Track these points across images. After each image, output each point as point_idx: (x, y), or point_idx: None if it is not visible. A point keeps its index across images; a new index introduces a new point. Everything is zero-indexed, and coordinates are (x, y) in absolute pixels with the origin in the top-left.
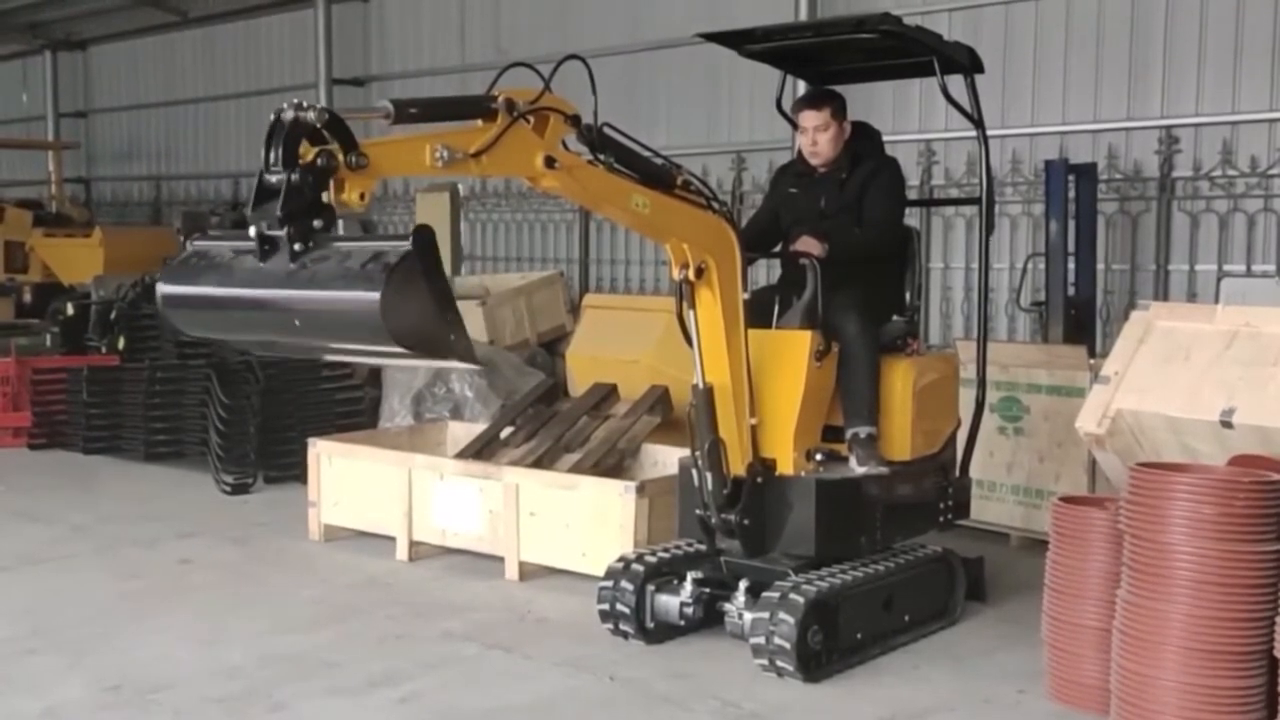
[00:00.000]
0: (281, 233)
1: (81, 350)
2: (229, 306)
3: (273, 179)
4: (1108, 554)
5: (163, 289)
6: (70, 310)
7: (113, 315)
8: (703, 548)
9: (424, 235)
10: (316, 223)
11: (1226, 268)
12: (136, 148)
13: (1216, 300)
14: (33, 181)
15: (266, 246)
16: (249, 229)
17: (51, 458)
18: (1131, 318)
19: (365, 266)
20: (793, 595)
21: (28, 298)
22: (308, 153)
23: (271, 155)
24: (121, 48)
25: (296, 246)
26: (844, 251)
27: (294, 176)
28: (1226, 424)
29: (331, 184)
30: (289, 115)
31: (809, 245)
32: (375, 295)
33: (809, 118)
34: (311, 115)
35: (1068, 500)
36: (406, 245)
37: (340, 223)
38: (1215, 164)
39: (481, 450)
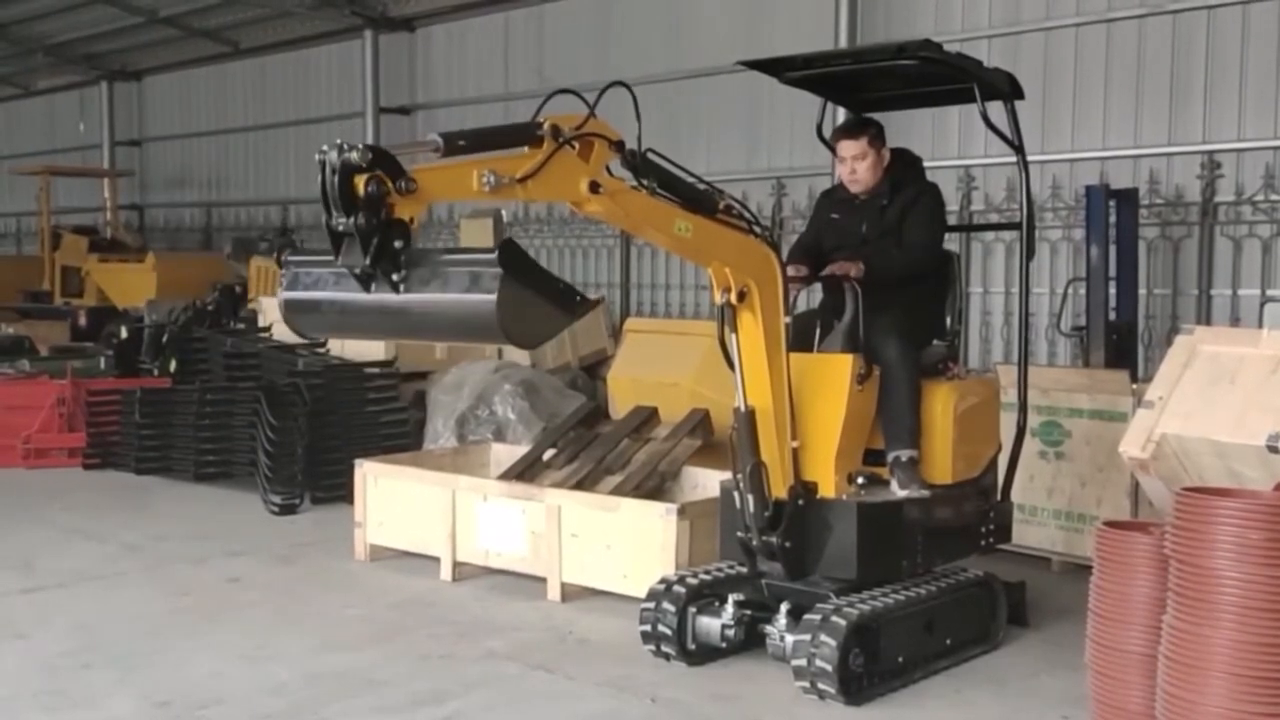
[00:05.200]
0: (374, 271)
1: (134, 372)
2: (350, 313)
3: (339, 226)
4: (1153, 579)
5: (285, 296)
6: (124, 333)
7: (165, 338)
8: (744, 570)
9: (508, 248)
10: (398, 244)
11: (1270, 292)
12: (188, 175)
13: (1260, 325)
14: (88, 208)
15: (364, 281)
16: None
17: (105, 477)
18: (1176, 342)
19: (468, 291)
20: (834, 618)
21: (83, 321)
22: (358, 184)
23: (330, 203)
24: (175, 78)
25: (394, 277)
26: (881, 273)
27: (359, 220)
28: (1273, 449)
29: (385, 208)
30: (334, 158)
31: (844, 268)
32: (493, 313)
33: (847, 147)
34: (355, 156)
35: (1112, 525)
36: (496, 266)
37: None
38: (1258, 189)
39: (524, 472)
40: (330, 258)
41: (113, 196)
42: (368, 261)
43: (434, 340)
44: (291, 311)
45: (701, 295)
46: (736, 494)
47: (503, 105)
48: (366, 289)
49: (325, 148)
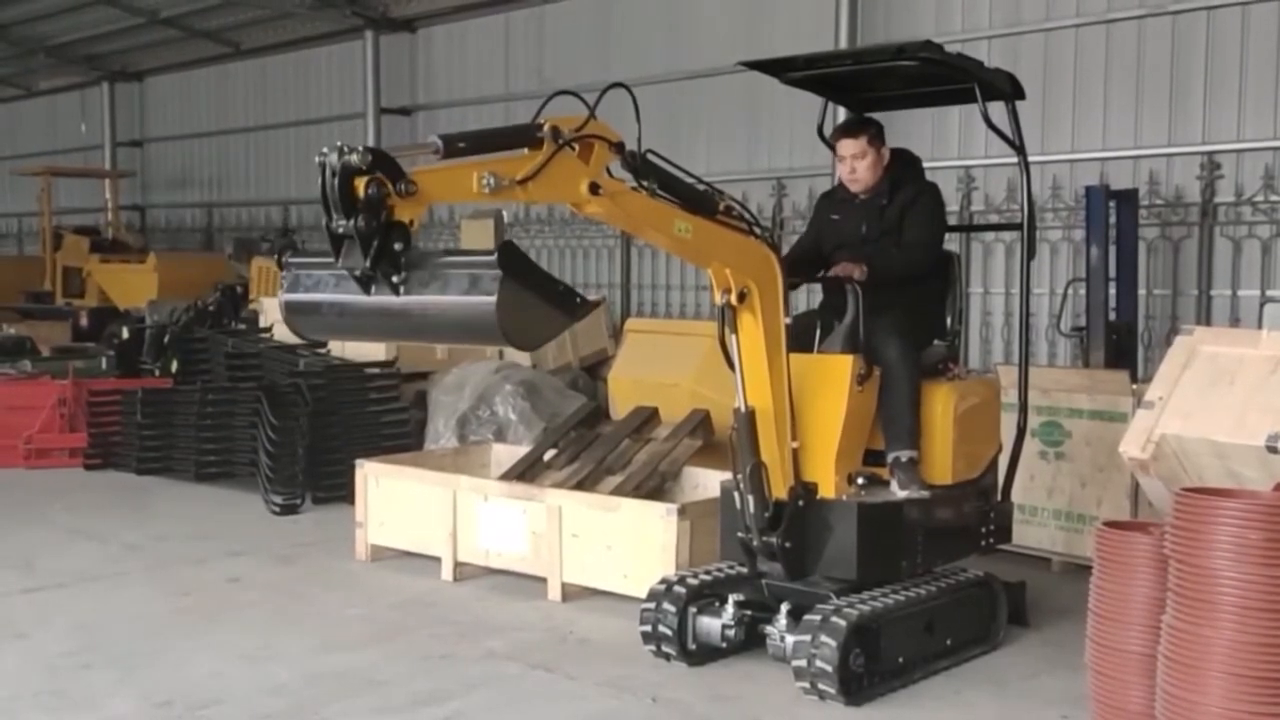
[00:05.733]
0: (374, 273)
1: (136, 373)
2: (350, 315)
3: (339, 228)
4: (1152, 579)
5: (286, 298)
6: (125, 334)
7: (166, 339)
8: (744, 570)
9: (508, 250)
10: (398, 246)
11: (1269, 293)
12: (190, 176)
13: (1259, 325)
14: (90, 209)
15: (365, 282)
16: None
17: (106, 478)
18: (1175, 342)
19: (468, 292)
20: (834, 618)
21: (84, 322)
22: (359, 185)
23: (330, 205)
24: (176, 79)
25: (394, 279)
26: (883, 273)
27: (359, 223)
28: (1273, 449)
29: (385, 210)
30: (334, 160)
31: (848, 269)
32: (492, 314)
33: (846, 146)
34: (355, 158)
35: (1112, 525)
36: (496, 269)
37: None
38: (1258, 189)
39: (525, 472)
40: (330, 259)
41: (114, 197)
42: (368, 263)
43: (434, 342)
44: (292, 313)
45: (702, 296)
46: (737, 494)
47: (503, 106)
48: (366, 291)
49: (325, 150)
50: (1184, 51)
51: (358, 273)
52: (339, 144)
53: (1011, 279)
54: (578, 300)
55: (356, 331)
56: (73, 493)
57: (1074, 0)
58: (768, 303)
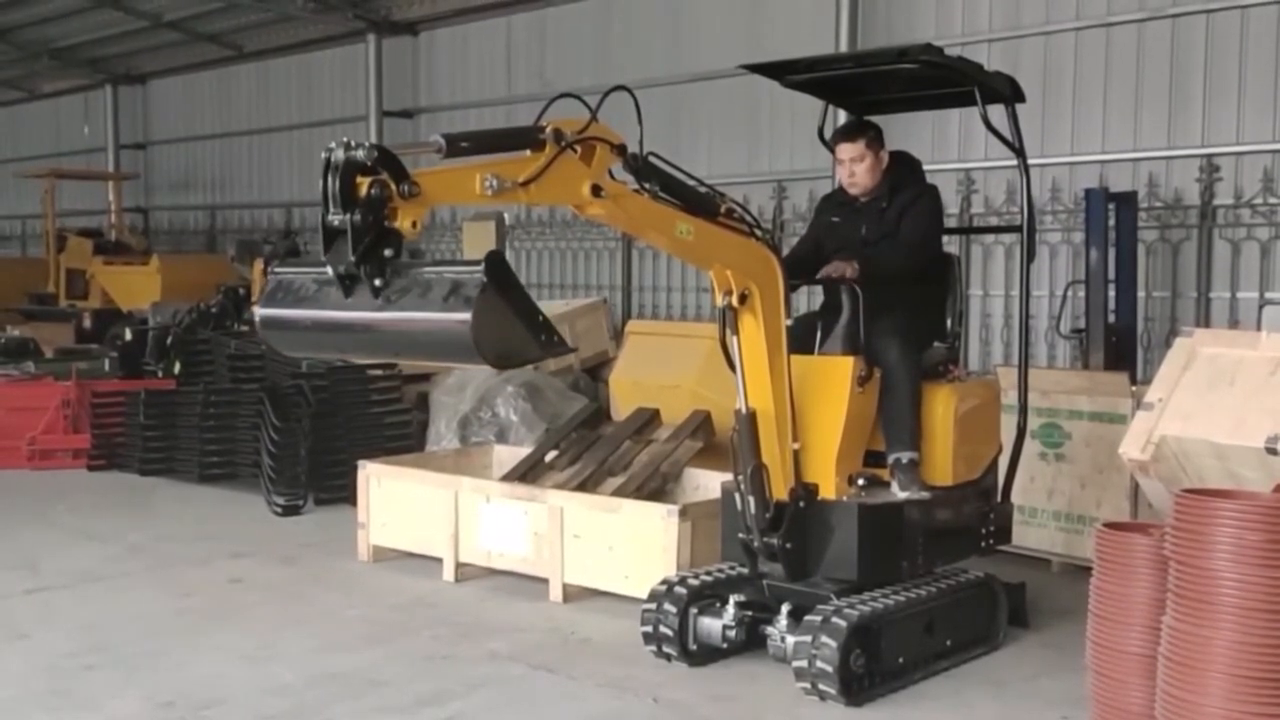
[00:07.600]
0: (359, 271)
1: (139, 374)
2: (324, 330)
3: (335, 221)
4: (1153, 580)
5: (261, 312)
6: (128, 335)
7: (169, 340)
8: (745, 571)
9: (495, 260)
10: (387, 252)
11: (1268, 295)
12: (193, 178)
13: (1258, 327)
14: (93, 211)
15: (347, 283)
16: (325, 267)
17: (109, 479)
18: (1175, 344)
19: (447, 300)
20: (835, 619)
21: (88, 323)
22: (361, 185)
23: (330, 198)
24: (179, 81)
25: (376, 282)
26: (875, 272)
27: (355, 217)
28: (1272, 450)
29: (385, 212)
30: (340, 155)
31: (839, 269)
32: (466, 331)
33: (845, 149)
34: (361, 154)
35: (1112, 526)
36: (480, 274)
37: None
38: (1256, 192)
39: (527, 473)
40: (313, 269)
41: (117, 199)
42: (354, 259)
43: (409, 359)
44: (266, 328)
45: (703, 297)
46: (738, 495)
47: (505, 109)
48: (347, 294)
49: (332, 145)
50: (1183, 54)
51: (341, 268)
52: (345, 139)
53: (1011, 281)
54: (555, 339)
55: (332, 348)
56: (76, 494)
57: (1074, 3)
58: (769, 304)
